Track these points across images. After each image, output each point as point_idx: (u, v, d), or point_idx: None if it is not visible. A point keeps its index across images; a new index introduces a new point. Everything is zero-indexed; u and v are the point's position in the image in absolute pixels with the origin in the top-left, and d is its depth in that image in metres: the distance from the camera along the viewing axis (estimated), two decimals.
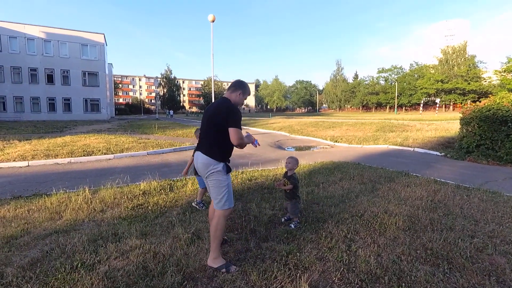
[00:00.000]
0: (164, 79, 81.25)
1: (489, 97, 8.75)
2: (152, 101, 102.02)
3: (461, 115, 8.72)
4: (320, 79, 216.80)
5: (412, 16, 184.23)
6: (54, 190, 4.57)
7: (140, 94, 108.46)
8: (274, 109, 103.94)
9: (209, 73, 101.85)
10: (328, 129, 17.02)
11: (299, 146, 12.12)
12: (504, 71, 49.59)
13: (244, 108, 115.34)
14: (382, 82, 77.54)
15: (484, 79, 60.49)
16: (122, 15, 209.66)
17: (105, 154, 8.51)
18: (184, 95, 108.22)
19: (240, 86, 2.57)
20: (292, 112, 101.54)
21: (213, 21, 15.37)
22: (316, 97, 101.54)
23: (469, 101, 58.01)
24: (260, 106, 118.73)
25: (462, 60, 63.83)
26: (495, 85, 55.23)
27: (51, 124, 21.60)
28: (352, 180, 5.28)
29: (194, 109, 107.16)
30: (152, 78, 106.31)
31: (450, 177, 5.80)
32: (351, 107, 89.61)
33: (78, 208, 3.83)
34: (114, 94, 65.83)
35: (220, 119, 2.35)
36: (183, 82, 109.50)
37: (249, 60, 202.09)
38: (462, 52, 65.00)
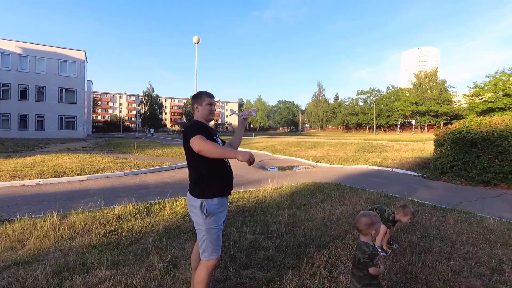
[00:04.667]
0: (146, 97, 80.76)
1: (460, 119, 9.29)
2: (133, 119, 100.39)
3: (435, 137, 9.11)
4: (303, 100, 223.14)
5: (388, 43, 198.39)
6: (18, 215, 4.24)
7: (120, 111, 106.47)
8: (257, 129, 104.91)
9: (193, 92, 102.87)
10: (310, 149, 17.23)
11: (281, 166, 12.13)
12: (472, 95, 53.97)
13: (227, 128, 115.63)
14: (361, 104, 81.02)
15: (455, 102, 64.86)
16: (106, 32, 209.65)
17: (78, 175, 8.08)
18: (166, 113, 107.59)
19: (192, 101, 2.21)
20: (275, 132, 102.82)
21: (197, 43, 15.67)
22: (299, 117, 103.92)
23: (442, 122, 61.47)
24: None
25: (434, 84, 68.51)
26: (464, 108, 59.28)
27: (21, 142, 20.52)
28: (334, 201, 5.29)
29: (176, 127, 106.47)
30: (133, 95, 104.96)
31: (427, 198, 5.96)
32: (332, 127, 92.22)
33: (43, 235, 3.54)
34: (92, 111, 64.32)
35: (187, 142, 1.97)
36: (165, 100, 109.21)
37: (233, 80, 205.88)
38: (433, 77, 69.89)
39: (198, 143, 1.85)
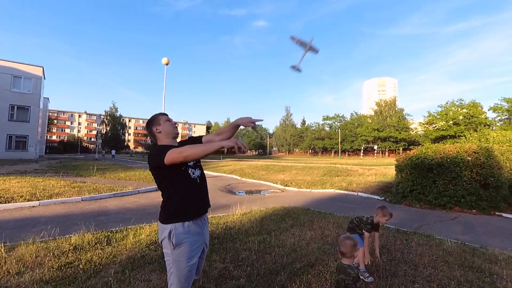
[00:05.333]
0: (108, 117, 77.70)
1: (417, 145, 10.20)
2: (92, 139, 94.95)
3: (396, 162, 9.70)
4: (271, 123, 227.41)
5: (351, 72, 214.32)
6: None
7: (79, 131, 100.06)
8: (225, 151, 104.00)
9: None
10: (279, 173, 17.45)
11: (250, 190, 12.07)
12: (426, 123, 59.77)
13: None
14: (327, 129, 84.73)
15: (412, 129, 70.39)
16: (68, 50, 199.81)
17: (28, 200, 7.28)
18: (129, 134, 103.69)
19: (149, 129, 2.02)
20: (242, 155, 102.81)
21: (167, 64, 15.62)
22: (267, 140, 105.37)
23: (401, 148, 66.40)
24: None
25: (393, 112, 74.11)
26: (420, 135, 64.79)
27: None
28: (303, 226, 5.33)
29: (140, 149, 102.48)
30: (94, 115, 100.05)
31: (390, 221, 6.17)
32: (299, 150, 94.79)
33: None
34: (47, 131, 59.74)
35: (154, 169, 1.84)
36: (129, 121, 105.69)
37: (201, 102, 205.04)
38: (392, 105, 75.73)
39: (180, 151, 1.69)
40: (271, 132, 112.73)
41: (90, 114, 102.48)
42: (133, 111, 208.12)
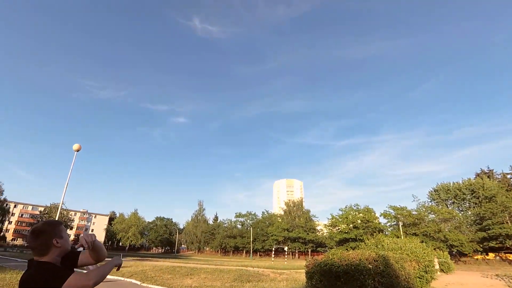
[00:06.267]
0: None
1: (324, 247, 10.44)
2: None
3: (305, 267, 9.58)
4: (182, 217, 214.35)
5: (262, 172, 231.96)
6: None
7: None
8: (127, 248, 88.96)
9: (57, 199, 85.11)
10: (186, 276, 15.35)
11: None
12: (330, 226, 62.39)
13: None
14: (239, 226, 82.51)
15: (318, 230, 73.23)
16: None
17: None
18: (10, 223, 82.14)
19: (46, 237, 1.57)
20: (147, 252, 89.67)
21: (77, 150, 14.16)
22: (176, 237, 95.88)
23: (310, 249, 67.07)
24: (110, 242, 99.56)
25: (301, 213, 77.08)
26: (326, 237, 66.97)
27: None
28: None
29: (20, 241, 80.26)
30: None
31: None
32: (210, 249, 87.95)
33: None
34: None
35: None
36: (14, 206, 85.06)
37: (107, 190, 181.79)
38: (300, 206, 79.35)
39: (88, 278, 1.43)
40: (181, 227, 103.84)
41: None
42: (22, 195, 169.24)
